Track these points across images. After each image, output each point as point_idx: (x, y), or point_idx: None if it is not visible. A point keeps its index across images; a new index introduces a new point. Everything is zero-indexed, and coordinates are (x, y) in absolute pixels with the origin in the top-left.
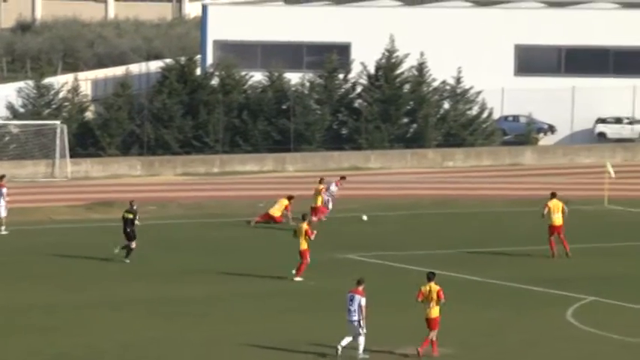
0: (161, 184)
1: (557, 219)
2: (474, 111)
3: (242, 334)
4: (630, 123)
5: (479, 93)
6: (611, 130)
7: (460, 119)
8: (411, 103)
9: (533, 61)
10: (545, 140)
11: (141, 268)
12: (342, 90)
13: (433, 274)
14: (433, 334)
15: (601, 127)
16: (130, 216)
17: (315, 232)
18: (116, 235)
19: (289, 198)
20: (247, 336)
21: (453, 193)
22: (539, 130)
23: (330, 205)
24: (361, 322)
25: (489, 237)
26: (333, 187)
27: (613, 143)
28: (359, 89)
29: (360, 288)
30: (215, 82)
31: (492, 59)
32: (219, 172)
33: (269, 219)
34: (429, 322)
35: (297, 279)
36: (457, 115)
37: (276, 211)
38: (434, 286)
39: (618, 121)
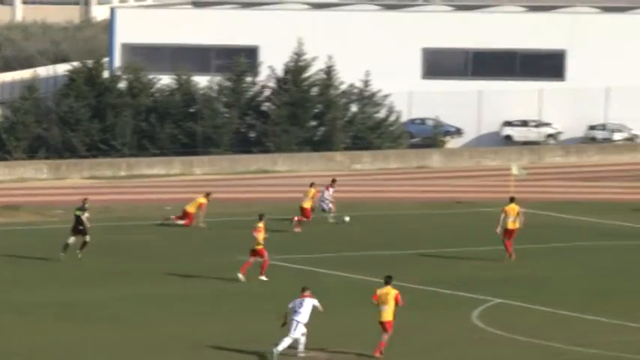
0: (68, 188)
1: (512, 223)
2: (382, 114)
3: (154, 337)
4: (536, 126)
5: (386, 96)
6: (517, 133)
7: (368, 122)
8: (319, 106)
9: (440, 64)
10: (453, 143)
11: (49, 271)
12: (251, 93)
13: (390, 277)
14: (384, 337)
15: (507, 130)
16: (79, 213)
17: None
18: (23, 238)
19: (207, 195)
20: (159, 338)
21: (361, 195)
22: (447, 132)
23: (332, 207)
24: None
25: (396, 239)
26: (327, 194)
27: (519, 146)
28: (267, 92)
29: (307, 293)
30: (123, 85)
31: (400, 62)
32: (126, 175)
33: (184, 216)
34: (383, 325)
35: (263, 278)
36: (365, 118)
37: (191, 208)
38: (392, 290)
39: (525, 123)
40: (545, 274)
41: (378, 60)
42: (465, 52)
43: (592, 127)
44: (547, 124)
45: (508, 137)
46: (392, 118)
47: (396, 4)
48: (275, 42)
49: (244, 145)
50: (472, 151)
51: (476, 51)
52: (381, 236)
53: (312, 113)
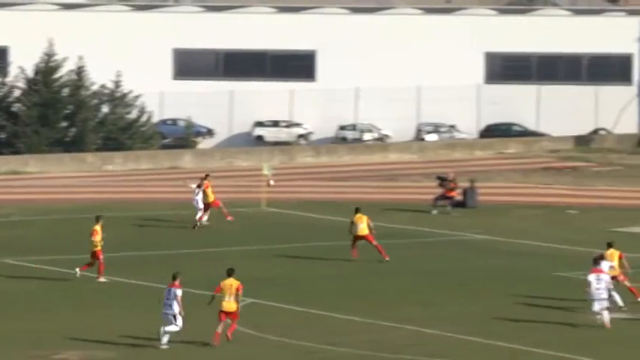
0: None
1: (362, 229)
2: (134, 115)
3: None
4: (288, 126)
5: (138, 97)
6: (268, 134)
7: (119, 123)
8: (70, 107)
9: (191, 64)
10: (204, 144)
11: None
12: (0, 94)
13: (232, 269)
14: (232, 325)
15: (259, 131)
16: None
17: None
18: None
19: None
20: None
21: (112, 196)
22: (198, 133)
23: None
24: (176, 315)
25: (146, 240)
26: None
27: (271, 146)
28: (17, 93)
29: (177, 282)
30: None
31: (151, 63)
32: None
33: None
34: (228, 315)
35: (102, 280)
36: (116, 119)
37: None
38: (234, 281)
39: (276, 124)
40: (299, 274)
41: (129, 60)
42: (215, 53)
43: (342, 128)
44: (298, 125)
45: (259, 138)
46: (143, 118)
47: (147, 5)
48: (25, 42)
49: None
50: (224, 152)
51: (227, 51)
52: (132, 237)
53: (62, 114)
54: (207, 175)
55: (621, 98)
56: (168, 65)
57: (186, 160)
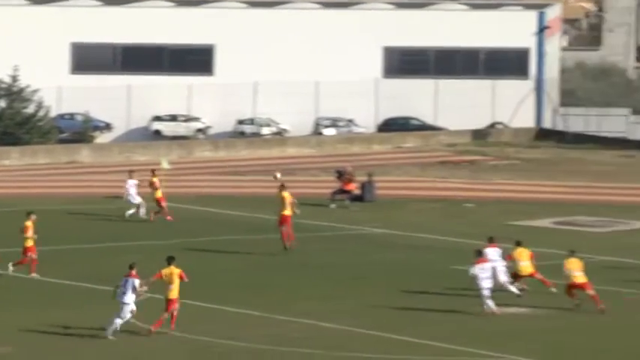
0: None
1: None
2: (31, 109)
3: None
4: (186, 120)
5: (35, 91)
6: (166, 128)
7: (16, 118)
8: None
9: (89, 59)
10: (102, 138)
11: None
12: None
13: (173, 257)
14: (172, 312)
15: (157, 125)
16: None
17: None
18: None
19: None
20: None
21: (9, 191)
22: (96, 127)
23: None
24: (124, 306)
25: (44, 235)
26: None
27: (169, 140)
28: None
29: (134, 272)
30: None
31: (49, 57)
32: None
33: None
34: (169, 302)
35: (34, 275)
36: (13, 114)
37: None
38: (175, 269)
39: (174, 118)
40: (198, 268)
41: (26, 55)
42: (113, 47)
43: (241, 122)
44: (196, 119)
45: (157, 132)
46: (41, 113)
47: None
48: None
49: None
50: (122, 146)
51: (125, 46)
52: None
53: None
54: (153, 170)
55: (518, 92)
56: (65, 59)
57: (84, 154)
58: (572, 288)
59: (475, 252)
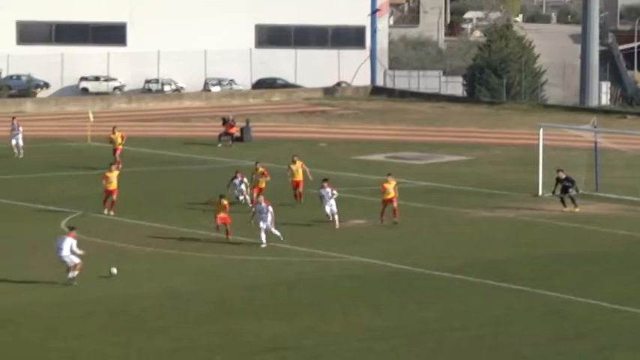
0: None
1: (298, 175)
2: None
3: None
4: (106, 80)
5: None
6: (92, 86)
7: None
8: None
9: (30, 33)
10: (42, 94)
11: None
12: None
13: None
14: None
15: (84, 84)
16: None
17: None
18: None
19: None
20: None
21: None
22: (37, 86)
23: None
24: (71, 256)
25: None
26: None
27: (93, 95)
28: None
29: (73, 233)
30: None
31: None
32: None
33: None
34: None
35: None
36: None
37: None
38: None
39: (97, 79)
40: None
41: None
42: (49, 24)
43: (148, 81)
44: (114, 79)
45: (85, 89)
46: None
47: None
48: None
49: None
50: (57, 100)
51: (58, 23)
52: None
53: None
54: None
55: (357, 59)
56: (12, 33)
57: (28, 106)
58: (385, 203)
59: (322, 180)
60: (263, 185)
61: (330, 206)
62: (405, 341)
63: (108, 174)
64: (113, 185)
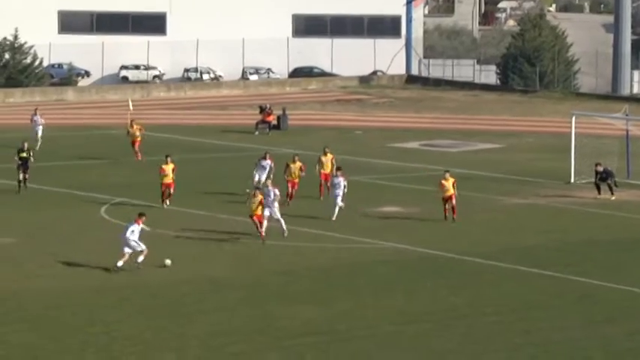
0: None
1: (327, 167)
2: (29, 60)
3: None
4: (146, 69)
5: (32, 47)
6: (131, 75)
7: (18, 67)
8: None
9: (72, 22)
10: (83, 82)
11: None
12: None
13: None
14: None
15: (124, 72)
16: (24, 155)
17: None
18: None
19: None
20: None
21: (14, 122)
22: (78, 74)
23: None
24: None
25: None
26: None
27: (133, 84)
28: None
29: (141, 219)
30: None
31: (41, 21)
32: None
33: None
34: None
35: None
36: (16, 64)
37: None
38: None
39: (137, 67)
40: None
41: (24, 19)
42: (90, 14)
43: (187, 70)
44: (154, 68)
45: (125, 78)
46: (36, 63)
47: None
48: None
49: None
50: (98, 88)
51: (99, 13)
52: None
53: None
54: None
55: (393, 48)
56: (54, 23)
57: (69, 94)
58: (444, 200)
59: (336, 169)
60: (297, 180)
61: (336, 197)
62: (437, 325)
63: (164, 166)
64: (169, 179)
